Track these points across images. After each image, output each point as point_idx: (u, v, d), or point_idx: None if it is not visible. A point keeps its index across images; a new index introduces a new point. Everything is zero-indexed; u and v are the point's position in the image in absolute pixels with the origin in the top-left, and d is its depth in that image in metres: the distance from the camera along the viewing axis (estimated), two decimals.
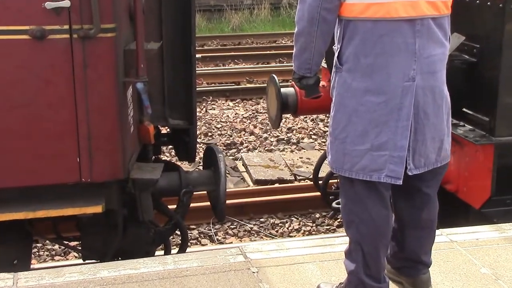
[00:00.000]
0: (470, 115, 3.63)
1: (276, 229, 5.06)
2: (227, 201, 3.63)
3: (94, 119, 2.76)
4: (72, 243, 3.87)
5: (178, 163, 4.68)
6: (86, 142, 2.77)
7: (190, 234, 4.84)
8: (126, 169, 2.93)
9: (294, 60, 2.48)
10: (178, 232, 3.64)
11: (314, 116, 7.67)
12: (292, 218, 5.22)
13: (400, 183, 2.42)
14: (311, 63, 2.45)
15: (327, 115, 4.56)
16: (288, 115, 7.09)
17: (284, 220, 5.19)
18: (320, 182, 4.50)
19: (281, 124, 7.45)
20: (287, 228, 5.06)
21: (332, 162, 2.51)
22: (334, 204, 4.39)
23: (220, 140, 7.07)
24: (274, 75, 4.36)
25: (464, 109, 3.64)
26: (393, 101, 2.35)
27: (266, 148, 6.83)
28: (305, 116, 7.71)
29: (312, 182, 4.73)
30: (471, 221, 3.67)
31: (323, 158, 4.50)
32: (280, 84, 4.27)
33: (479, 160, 3.54)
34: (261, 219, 5.19)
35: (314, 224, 5.12)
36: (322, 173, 4.53)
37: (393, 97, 2.35)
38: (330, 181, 4.50)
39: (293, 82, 4.33)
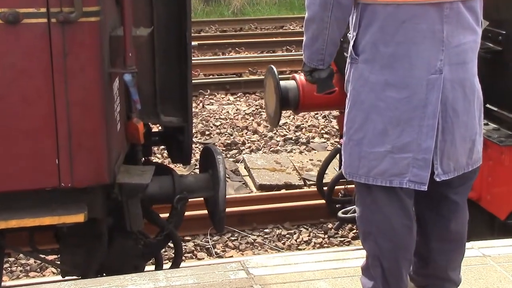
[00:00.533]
0: (495, 111, 3.62)
1: (282, 241, 5.07)
2: (227, 209, 3.62)
3: (76, 115, 2.76)
4: (50, 257, 3.87)
5: (171, 165, 4.67)
6: (66, 141, 2.77)
7: (185, 247, 4.84)
8: (112, 172, 2.93)
9: (304, 50, 2.48)
10: (171, 245, 3.64)
11: (327, 112, 7.67)
12: (301, 229, 5.23)
13: (425, 189, 2.42)
14: (324, 54, 2.46)
15: (341, 110, 4.55)
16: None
17: (292, 231, 5.19)
18: (325, 188, 4.49)
19: (289, 122, 7.56)
20: (295, 240, 5.07)
21: (346, 166, 2.51)
22: (340, 214, 4.39)
23: (219, 139, 7.07)
24: (272, 66, 4.37)
25: (487, 105, 3.60)
26: (417, 96, 2.35)
27: (271, 149, 6.83)
28: (316, 112, 7.71)
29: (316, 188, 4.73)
30: (496, 233, 3.65)
31: (328, 160, 4.50)
32: (280, 76, 4.28)
33: (504, 164, 3.52)
34: (265, 230, 5.20)
35: (326, 236, 5.13)
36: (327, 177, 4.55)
37: (417, 92, 2.35)
38: (337, 187, 4.50)
39: (294, 74, 4.39)
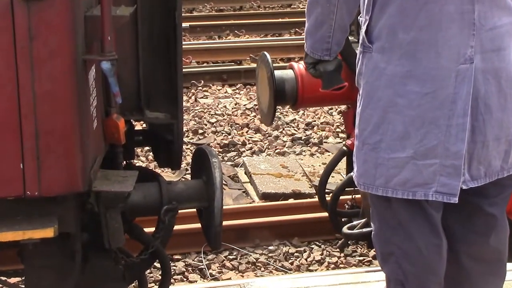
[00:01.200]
0: None
1: (290, 261, 5.07)
2: (224, 222, 3.61)
3: (44, 110, 2.75)
4: (12, 280, 3.86)
5: (158, 170, 4.65)
6: (33, 141, 2.76)
7: (174, 267, 4.84)
8: (87, 178, 2.92)
9: (307, 38, 2.51)
10: (158, 264, 3.63)
11: (343, 107, 7.66)
12: (313, 246, 5.23)
13: (456, 201, 2.41)
14: (331, 42, 2.48)
15: (348, 105, 4.54)
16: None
17: (302, 249, 5.19)
18: (329, 198, 4.48)
19: (297, 118, 7.57)
20: (306, 260, 5.06)
21: (359, 176, 2.51)
22: (345, 229, 4.36)
23: (215, 139, 7.08)
24: (265, 52, 4.35)
25: None
26: (444, 91, 2.35)
27: (277, 151, 6.84)
28: (329, 108, 7.71)
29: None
30: None
31: (333, 164, 4.48)
32: (275, 65, 4.27)
33: None
34: (270, 247, 5.19)
35: (342, 254, 5.12)
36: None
37: (444, 85, 2.35)
38: (342, 196, 4.48)
39: (292, 63, 4.39)
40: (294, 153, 6.77)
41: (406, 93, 2.36)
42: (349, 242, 5.07)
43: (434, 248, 2.47)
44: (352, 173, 2.70)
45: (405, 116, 2.38)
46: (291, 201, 5.73)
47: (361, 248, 5.15)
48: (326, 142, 7.06)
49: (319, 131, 7.31)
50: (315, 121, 7.55)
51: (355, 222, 4.39)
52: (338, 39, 2.46)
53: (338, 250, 5.16)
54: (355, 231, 4.32)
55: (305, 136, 7.18)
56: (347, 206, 4.65)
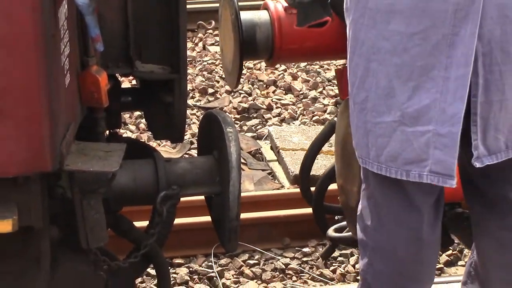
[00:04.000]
0: None
1: (332, 268, 5.10)
2: (243, 215, 3.63)
3: None
4: None
5: (153, 144, 4.66)
6: None
7: (175, 275, 4.87)
8: (57, 153, 2.93)
9: None
10: (152, 271, 3.66)
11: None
12: None
13: (453, 185, 2.46)
14: None
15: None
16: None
17: (348, 251, 5.23)
18: (313, 188, 4.45)
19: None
20: (353, 266, 5.10)
21: (355, 146, 2.62)
22: (331, 232, 4.32)
23: (231, 102, 7.09)
24: None
25: None
26: (438, 30, 2.39)
27: (315, 118, 6.84)
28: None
29: None
30: None
31: (319, 143, 4.43)
32: (243, 4, 4.21)
33: None
34: (304, 249, 5.24)
35: None
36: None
37: (437, 23, 2.39)
38: (331, 186, 4.46)
39: (267, 1, 4.33)
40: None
41: (390, 34, 2.42)
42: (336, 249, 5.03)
43: (412, 245, 2.55)
44: None
45: (388, 66, 2.44)
46: (333, 186, 5.72)
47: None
48: None
49: None
50: None
51: (344, 222, 4.35)
52: None
53: None
54: (344, 234, 4.29)
55: None
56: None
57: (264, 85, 7.39)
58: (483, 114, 2.46)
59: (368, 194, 2.62)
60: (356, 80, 2.54)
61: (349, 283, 4.92)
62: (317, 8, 2.61)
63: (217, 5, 9.10)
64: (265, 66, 7.53)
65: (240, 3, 4.02)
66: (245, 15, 4.05)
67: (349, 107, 2.60)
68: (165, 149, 5.91)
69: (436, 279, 4.87)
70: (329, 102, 7.11)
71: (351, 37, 2.53)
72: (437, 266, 5.06)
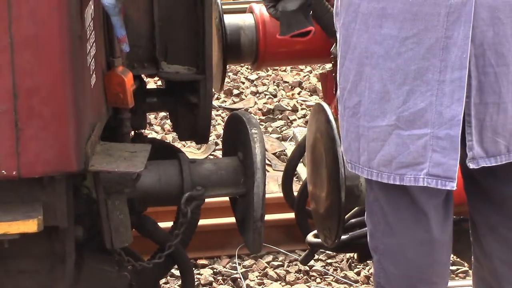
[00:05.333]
0: None
1: (357, 270, 5.09)
2: (267, 216, 3.64)
3: (24, 62, 2.77)
4: None
5: (178, 144, 4.67)
6: (9, 103, 2.78)
7: (199, 276, 4.88)
8: (83, 154, 2.94)
9: None
10: (177, 271, 3.66)
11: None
12: None
13: (453, 187, 2.45)
14: None
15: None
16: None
17: None
18: (296, 192, 4.41)
19: None
20: None
21: (344, 151, 2.62)
22: (310, 237, 4.27)
23: (256, 103, 7.08)
24: None
25: None
26: (431, 34, 2.39)
27: None
28: None
29: None
30: None
31: (303, 147, 4.41)
32: (227, 7, 4.20)
33: None
34: (328, 251, 5.15)
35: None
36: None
37: (429, 27, 2.39)
38: None
39: (252, 5, 4.30)
40: None
41: (383, 38, 2.42)
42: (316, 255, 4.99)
43: (422, 247, 2.54)
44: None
45: (382, 70, 2.43)
46: None
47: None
48: None
49: None
50: None
51: None
52: None
53: None
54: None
55: None
56: None
57: (289, 87, 7.38)
58: (478, 116, 2.45)
59: (373, 197, 2.62)
60: (348, 85, 2.53)
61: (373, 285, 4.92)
62: (300, 18, 2.62)
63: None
64: (290, 67, 7.52)
65: (224, 7, 4.04)
66: (229, 19, 4.05)
67: (339, 112, 2.60)
68: (190, 150, 5.91)
69: (451, 283, 4.87)
70: None
71: (342, 41, 2.53)
72: (462, 269, 5.07)
